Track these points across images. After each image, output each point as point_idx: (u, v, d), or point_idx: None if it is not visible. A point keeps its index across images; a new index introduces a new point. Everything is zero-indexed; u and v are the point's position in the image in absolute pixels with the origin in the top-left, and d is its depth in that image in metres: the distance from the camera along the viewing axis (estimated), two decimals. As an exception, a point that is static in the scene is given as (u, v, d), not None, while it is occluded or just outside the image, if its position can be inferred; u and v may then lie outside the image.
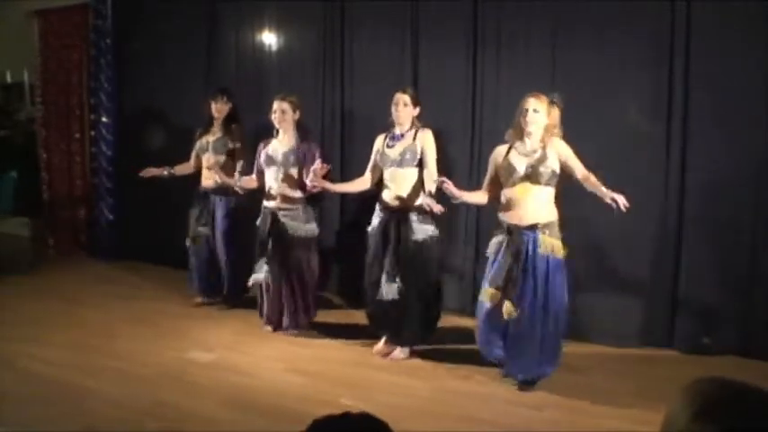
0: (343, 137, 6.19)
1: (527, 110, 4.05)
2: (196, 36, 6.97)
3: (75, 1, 7.66)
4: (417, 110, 4.64)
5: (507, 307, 4.03)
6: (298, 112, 5.11)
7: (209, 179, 5.71)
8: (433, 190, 4.37)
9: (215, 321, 5.58)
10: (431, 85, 5.61)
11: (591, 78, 4.97)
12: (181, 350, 4.87)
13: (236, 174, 5.49)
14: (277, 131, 5.12)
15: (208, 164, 5.71)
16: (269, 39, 6.59)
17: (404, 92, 4.65)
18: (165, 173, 5.81)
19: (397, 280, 4.53)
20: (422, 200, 4.37)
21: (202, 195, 5.80)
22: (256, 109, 6.19)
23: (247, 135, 5.77)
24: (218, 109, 5.74)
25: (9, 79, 8.62)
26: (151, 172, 5.79)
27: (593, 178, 3.94)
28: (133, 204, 7.41)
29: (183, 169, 5.92)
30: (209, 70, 6.92)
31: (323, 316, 5.49)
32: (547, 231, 4.02)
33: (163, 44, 7.16)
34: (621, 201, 3.72)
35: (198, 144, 5.84)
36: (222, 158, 5.66)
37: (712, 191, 4.73)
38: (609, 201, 3.75)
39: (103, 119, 7.61)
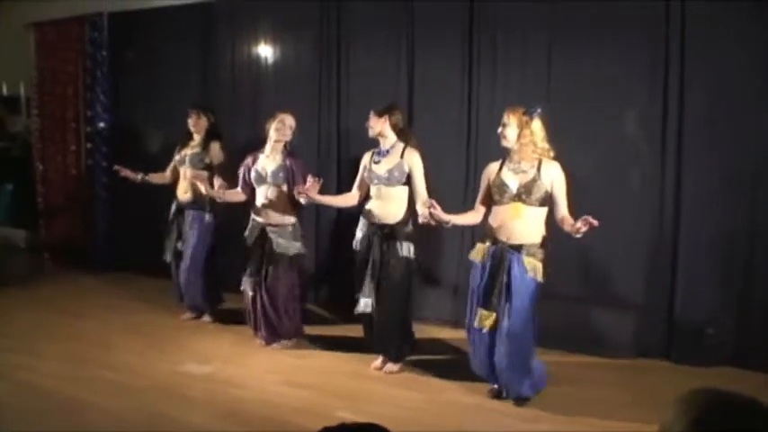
0: (339, 153, 6.21)
1: (501, 124, 4.09)
2: (192, 48, 7.00)
3: (72, 13, 7.68)
4: (385, 119, 4.58)
5: (487, 318, 4.00)
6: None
7: (185, 193, 5.70)
8: (428, 205, 4.29)
9: (211, 334, 5.57)
10: (427, 100, 5.65)
11: (586, 90, 5.01)
12: (177, 362, 4.86)
13: (217, 184, 5.19)
14: (264, 146, 5.11)
15: (185, 177, 5.69)
16: (265, 51, 6.62)
17: (373, 110, 4.66)
18: (139, 178, 5.84)
19: (373, 295, 4.55)
20: (420, 218, 4.32)
21: (177, 210, 5.80)
22: (251, 122, 6.21)
23: (241, 149, 5.75)
24: (193, 124, 5.72)
25: (5, 91, 8.63)
26: (125, 171, 5.82)
27: (568, 221, 3.88)
28: (129, 216, 7.41)
29: (158, 178, 5.93)
30: (205, 82, 6.95)
31: (318, 329, 5.50)
32: (531, 252, 3.98)
33: (159, 56, 7.20)
34: (590, 221, 3.63)
35: (177, 156, 5.83)
36: (198, 173, 5.59)
37: (708, 201, 4.75)
38: (580, 225, 3.66)
39: (99, 131, 7.64)
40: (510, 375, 4.07)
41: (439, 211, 4.02)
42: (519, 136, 4.02)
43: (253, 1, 6.57)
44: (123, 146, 7.49)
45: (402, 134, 4.64)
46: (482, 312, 4.03)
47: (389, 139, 4.62)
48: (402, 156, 4.54)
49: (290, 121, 5.05)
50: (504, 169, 4.11)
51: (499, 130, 4.08)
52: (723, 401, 1.19)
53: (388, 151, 4.61)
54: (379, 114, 4.60)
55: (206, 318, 5.85)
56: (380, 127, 4.59)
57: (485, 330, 4.03)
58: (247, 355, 5.06)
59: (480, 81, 5.46)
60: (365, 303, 4.57)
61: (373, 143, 4.73)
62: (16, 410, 4.02)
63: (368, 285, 4.57)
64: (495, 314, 3.99)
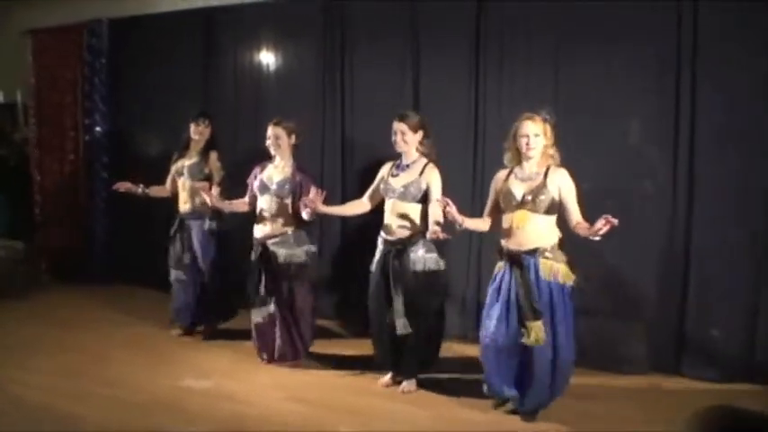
0: (343, 162, 6.11)
1: (528, 135, 3.93)
2: (193, 55, 6.94)
3: (71, 20, 7.62)
4: (419, 134, 4.46)
5: (537, 332, 3.85)
6: (293, 138, 4.96)
7: (185, 204, 5.59)
8: (441, 220, 4.18)
9: (211, 348, 5.48)
10: (432, 107, 5.54)
11: (595, 95, 4.94)
12: (176, 377, 4.78)
13: (214, 193, 5.12)
14: (273, 156, 5.00)
15: (184, 188, 5.59)
16: (267, 58, 6.56)
17: (401, 119, 4.46)
18: (140, 190, 5.64)
19: (402, 312, 4.39)
20: (429, 234, 4.24)
21: (179, 222, 5.67)
22: (253, 130, 6.13)
23: (242, 158, 5.65)
24: (200, 132, 5.59)
25: (2, 99, 8.56)
26: (125, 186, 5.64)
27: (583, 225, 3.82)
28: (127, 228, 7.35)
29: (159, 191, 5.77)
30: (206, 90, 6.88)
31: (322, 344, 5.39)
32: (548, 255, 3.90)
33: (159, 64, 7.14)
34: (610, 220, 3.55)
35: (174, 168, 5.71)
36: (197, 184, 5.47)
37: (720, 211, 4.67)
38: (600, 226, 3.59)
39: (98, 139, 7.57)
40: (541, 388, 3.97)
41: (453, 210, 3.95)
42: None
43: (255, 7, 6.51)
44: (122, 154, 7.43)
45: (426, 148, 4.51)
46: (533, 324, 3.85)
47: (413, 154, 4.50)
48: (421, 173, 4.42)
49: (277, 131, 4.91)
50: (512, 177, 4.05)
51: (531, 140, 3.92)
52: (736, 419, 1.13)
53: (408, 166, 4.48)
54: (414, 129, 4.45)
55: (202, 334, 5.73)
56: (415, 143, 4.46)
57: (542, 343, 3.87)
58: (248, 370, 4.96)
59: (487, 88, 5.39)
60: (403, 324, 4.38)
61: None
62: (12, 425, 3.94)
63: (397, 304, 4.39)
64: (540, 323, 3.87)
